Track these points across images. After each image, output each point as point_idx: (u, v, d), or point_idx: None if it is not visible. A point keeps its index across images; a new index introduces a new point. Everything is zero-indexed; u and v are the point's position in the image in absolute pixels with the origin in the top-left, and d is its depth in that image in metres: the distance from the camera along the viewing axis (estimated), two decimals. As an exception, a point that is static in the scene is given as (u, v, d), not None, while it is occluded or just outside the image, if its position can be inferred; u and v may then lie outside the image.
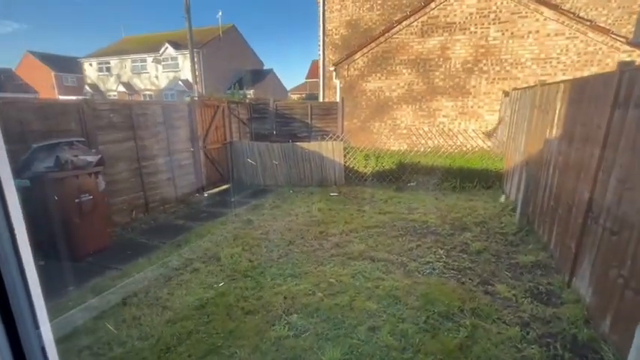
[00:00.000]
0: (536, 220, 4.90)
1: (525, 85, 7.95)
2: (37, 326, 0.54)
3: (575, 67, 7.82)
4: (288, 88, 36.31)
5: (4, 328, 0.50)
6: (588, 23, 7.59)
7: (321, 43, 12.37)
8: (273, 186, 8.49)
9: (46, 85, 33.77)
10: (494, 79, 8.49)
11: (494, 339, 2.82)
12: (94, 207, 4.73)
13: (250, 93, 27.60)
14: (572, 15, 7.70)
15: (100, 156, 4.86)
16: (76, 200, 4.49)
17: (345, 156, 8.41)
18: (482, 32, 8.33)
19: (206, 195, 7.83)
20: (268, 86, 31.46)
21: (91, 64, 31.74)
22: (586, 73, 7.72)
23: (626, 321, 2.45)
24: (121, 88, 29.67)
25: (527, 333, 2.89)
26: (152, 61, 28.85)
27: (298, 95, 32.15)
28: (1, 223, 0.50)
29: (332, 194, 7.57)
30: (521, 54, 8.15)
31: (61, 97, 30.34)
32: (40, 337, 0.54)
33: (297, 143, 8.41)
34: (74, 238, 4.49)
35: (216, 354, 2.77)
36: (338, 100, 10.09)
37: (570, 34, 7.71)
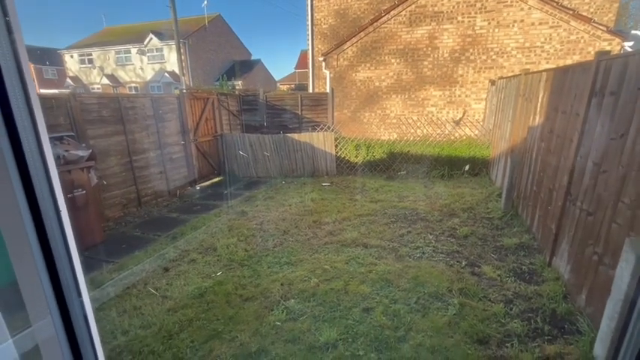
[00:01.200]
0: (520, 205, 5.12)
1: (511, 74, 8.13)
2: (79, 294, 0.63)
3: (558, 56, 8.02)
4: (277, 79, 35.95)
5: (54, 297, 0.60)
6: (571, 12, 7.77)
7: (309, 32, 12.29)
8: (265, 177, 8.55)
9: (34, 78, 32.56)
10: (480, 68, 8.64)
11: (480, 315, 3.02)
12: (87, 202, 4.73)
13: (239, 84, 27.27)
14: (555, 4, 7.86)
15: (90, 150, 4.84)
16: (69, 195, 4.48)
17: (336, 146, 8.50)
18: (469, 21, 8.43)
19: (198, 188, 7.85)
20: (257, 77, 31.07)
21: (72, 56, 30.70)
22: (568, 62, 7.94)
23: (600, 294, 2.66)
24: (105, 81, 28.88)
25: (511, 309, 3.10)
26: (136, 53, 28.10)
27: (287, 86, 31.89)
28: (50, 209, 0.58)
29: (324, 184, 7.68)
30: (507, 43, 8.30)
31: (42, 91, 29.37)
32: (82, 304, 0.63)
33: (289, 134, 8.45)
34: (68, 233, 4.49)
35: (217, 338, 2.88)
36: (328, 90, 10.12)
37: (554, 22, 7.89)
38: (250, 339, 2.85)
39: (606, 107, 2.84)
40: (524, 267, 3.81)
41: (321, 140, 8.30)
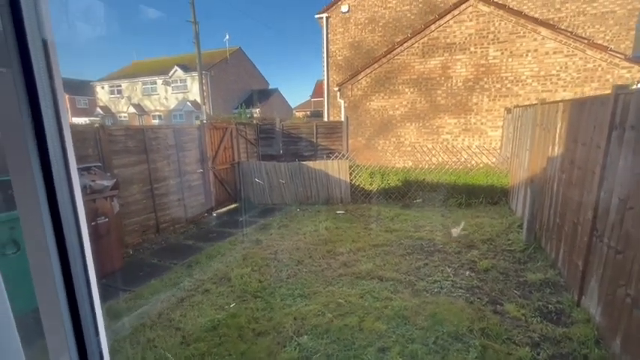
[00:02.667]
0: (543, 237, 4.91)
1: (527, 102, 8.10)
2: (97, 334, 0.65)
3: (576, 84, 7.96)
4: (294, 106, 37.06)
5: (74, 333, 0.62)
6: (586, 41, 7.78)
7: (325, 63, 12.78)
8: (280, 204, 8.62)
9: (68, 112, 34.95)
10: (495, 96, 8.66)
11: (505, 360, 2.83)
12: (109, 229, 4.89)
13: (256, 111, 28.24)
14: (569, 34, 7.91)
15: (115, 180, 5.06)
16: (93, 223, 4.66)
17: (350, 174, 8.54)
18: (482, 52, 8.57)
19: (215, 215, 7.98)
20: (274, 105, 32.15)
21: (103, 87, 32.91)
22: (587, 89, 7.85)
23: (637, 340, 2.46)
24: (132, 109, 30.59)
25: (538, 353, 2.90)
26: (162, 83, 29.83)
27: (303, 113, 32.76)
28: (74, 242, 0.61)
29: (338, 212, 7.65)
30: (521, 72, 8.33)
31: (74, 119, 31.33)
32: (99, 343, 0.65)
33: (304, 162, 8.58)
34: (89, 261, 4.62)
35: (229, 376, 2.82)
36: (343, 119, 10.33)
37: (569, 51, 7.90)
38: (262, 378, 2.77)
39: (628, 141, 2.77)
40: (550, 306, 3.60)
41: (335, 168, 8.37)
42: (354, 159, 9.67)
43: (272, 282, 4.43)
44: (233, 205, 8.75)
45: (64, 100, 0.59)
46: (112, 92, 32.51)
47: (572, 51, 7.86)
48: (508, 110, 8.28)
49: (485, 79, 8.66)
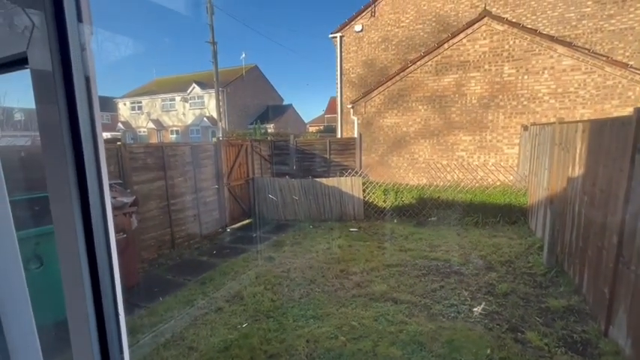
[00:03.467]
0: (565, 261, 4.72)
1: (544, 119, 7.96)
2: (121, 351, 0.67)
3: (595, 101, 7.78)
4: (307, 121, 37.55)
5: (100, 351, 0.64)
6: (604, 58, 7.66)
7: (338, 81, 12.99)
8: (293, 221, 8.63)
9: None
10: (511, 113, 8.55)
11: (527, 394, 2.69)
12: (127, 245, 5.00)
13: (271, 127, 28.77)
14: (586, 51, 7.81)
15: (134, 197, 5.22)
16: (112, 239, 4.78)
17: (364, 191, 8.51)
18: (497, 69, 8.54)
19: (229, 230, 8.05)
20: (288, 120, 32.68)
21: (124, 104, 34.34)
22: (607, 106, 7.66)
23: (671, 379, 2.30)
24: (151, 125, 31.69)
25: (563, 388, 2.75)
26: (180, 100, 30.90)
27: (317, 128, 33.14)
28: (104, 257, 0.64)
29: (352, 230, 7.60)
30: (538, 89, 8.23)
31: (97, 134, 32.60)
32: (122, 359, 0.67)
33: (317, 179, 8.63)
34: (107, 276, 4.72)
35: (240, 400, 2.78)
36: (356, 135, 10.39)
37: (587, 69, 7.78)
38: (274, 404, 2.73)
39: (653, 166, 2.67)
40: (575, 335, 3.42)
41: (349, 185, 8.37)
42: (368, 176, 9.65)
43: (284, 301, 4.40)
44: (247, 221, 8.83)
45: (101, 127, 0.64)
46: (132, 108, 33.85)
47: (591, 68, 7.74)
48: (525, 127, 8.15)
49: (500, 97, 8.59)
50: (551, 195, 5.33)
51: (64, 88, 0.56)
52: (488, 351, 3.22)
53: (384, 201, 8.59)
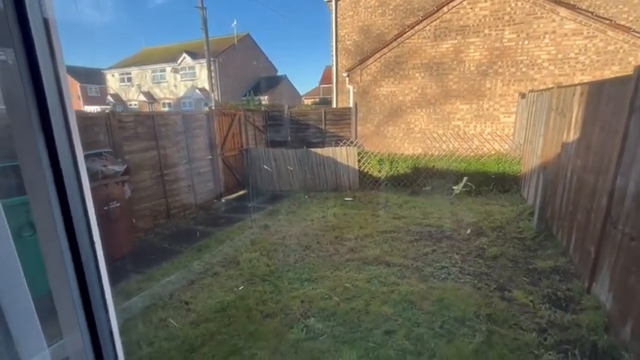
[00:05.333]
0: (554, 225, 4.82)
1: (542, 87, 7.83)
2: (106, 312, 0.66)
3: (595, 67, 7.63)
4: (302, 93, 36.73)
5: (84, 311, 0.63)
6: (607, 22, 7.41)
7: (333, 49, 12.53)
8: (288, 191, 8.65)
9: (72, 96, 35.42)
10: (509, 80, 8.38)
11: (511, 345, 2.83)
12: (121, 214, 5.00)
13: (265, 99, 28.12)
14: (589, 14, 7.54)
15: (126, 165, 5.14)
16: (105, 208, 4.77)
17: (359, 161, 8.48)
18: (497, 34, 8.26)
19: (224, 201, 8.07)
20: (282, 92, 31.92)
21: (113, 75, 33.14)
22: (607, 73, 7.53)
23: (647, 328, 2.42)
24: (142, 98, 30.82)
25: (545, 339, 2.89)
26: (171, 71, 29.86)
27: (312, 100, 32.47)
28: (82, 225, 0.62)
29: (346, 199, 7.65)
30: (538, 55, 8.02)
31: (86, 107, 31.79)
32: (108, 320, 0.67)
33: (312, 149, 8.55)
34: (103, 244, 4.75)
35: (237, 355, 2.90)
36: (351, 105, 10.20)
37: (589, 33, 7.55)
38: (269, 357, 2.85)
39: (648, 124, 2.65)
40: (559, 293, 3.56)
41: (344, 155, 8.32)
42: (363, 146, 9.59)
43: (280, 266, 4.49)
44: (242, 192, 8.83)
45: (67, 81, 0.58)
46: (122, 80, 32.72)
47: (593, 32, 7.51)
48: (522, 95, 8.03)
49: (499, 63, 8.38)
50: (545, 161, 5.35)
51: (20, 31, 0.49)
52: (476, 308, 3.36)
53: (379, 171, 8.59)
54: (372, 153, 8.76)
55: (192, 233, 6.08)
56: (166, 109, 30.56)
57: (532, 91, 7.36)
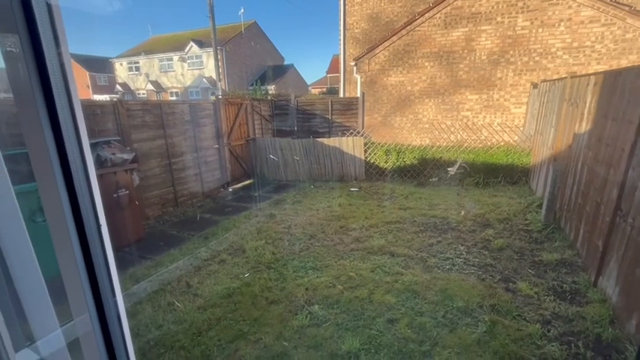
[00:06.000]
0: (563, 218, 4.76)
1: (556, 77, 7.62)
2: (114, 295, 0.68)
3: (612, 56, 7.38)
4: (309, 83, 36.40)
5: (92, 295, 0.65)
6: (627, 8, 7.13)
7: (341, 37, 12.34)
8: (294, 181, 8.68)
9: (81, 85, 35.73)
10: (521, 70, 8.17)
11: (514, 335, 2.84)
12: (130, 201, 5.09)
13: (272, 88, 27.96)
14: (608, 0, 7.25)
15: (134, 154, 5.21)
16: (114, 195, 4.85)
17: (365, 151, 8.43)
18: (510, 22, 8.02)
19: (230, 190, 8.14)
20: (289, 81, 31.68)
21: (121, 64, 33.24)
22: (623, 62, 7.28)
23: (653, 321, 2.40)
24: (150, 87, 30.92)
25: (548, 330, 2.89)
26: (178, 60, 29.81)
27: (319, 89, 32.19)
28: (89, 212, 0.63)
29: (352, 189, 7.65)
30: (552, 43, 7.78)
31: (95, 96, 32.06)
32: (116, 304, 0.69)
33: (318, 139, 8.52)
34: (113, 231, 4.86)
35: (242, 339, 2.97)
36: (359, 95, 10.09)
37: (607, 20, 7.28)
38: (274, 342, 2.91)
39: (664, 115, 2.57)
40: (565, 285, 3.54)
41: (350, 145, 8.28)
42: (370, 136, 9.52)
43: (285, 254, 4.55)
44: (248, 181, 8.89)
45: (72, 68, 0.58)
46: (130, 69, 32.82)
47: (611, 19, 7.24)
48: (534, 85, 7.83)
49: (511, 52, 8.16)
50: (555, 153, 5.25)
51: (24, 17, 0.49)
52: (479, 299, 3.36)
53: (386, 162, 8.54)
54: (379, 143, 8.69)
55: (199, 221, 6.17)
56: (174, 98, 30.65)
57: (544, 80, 7.18)
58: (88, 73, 36.71)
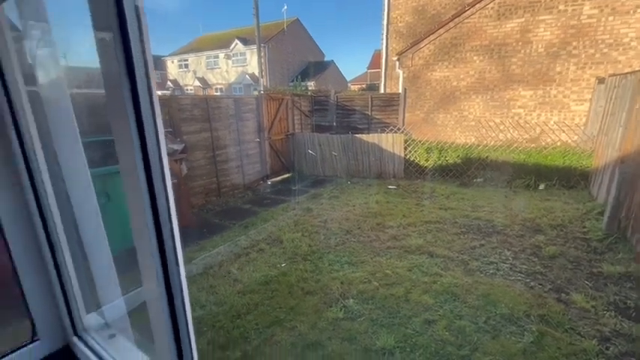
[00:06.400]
0: (629, 227, 4.28)
1: (628, 70, 6.82)
2: (177, 264, 0.75)
3: (700, 46, 6.43)
4: (349, 79, 36.16)
5: (160, 264, 0.72)
6: None
7: (384, 31, 12.08)
8: (331, 177, 8.71)
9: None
10: (585, 63, 7.42)
11: (565, 349, 2.63)
12: (178, 189, 5.45)
13: (312, 84, 28.21)
14: (699, -19, 6.31)
15: (184, 145, 5.56)
16: (165, 182, 5.22)
17: (405, 149, 8.22)
18: (574, 10, 7.30)
19: (269, 183, 8.38)
20: (329, 77, 31.72)
21: (172, 62, 35.51)
22: None
23: None
24: (197, 83, 32.71)
25: (607, 348, 2.63)
26: (223, 57, 31.16)
27: (359, 86, 31.84)
28: (161, 192, 0.70)
29: (390, 187, 7.50)
30: (624, 33, 6.96)
31: (149, 92, 34.52)
32: (179, 272, 0.75)
33: (357, 135, 8.46)
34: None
35: (278, 325, 3.07)
36: (400, 90, 9.83)
37: (695, 5, 6.35)
38: (308, 331, 2.97)
39: None
40: (629, 302, 3.19)
41: (389, 142, 8.12)
42: (410, 133, 9.25)
43: (321, 248, 4.60)
44: (286, 175, 9.09)
45: (153, 65, 0.64)
46: (180, 66, 34.95)
47: (701, 4, 6.30)
48: (600, 80, 7.07)
49: (574, 44, 7.44)
50: (623, 154, 4.71)
51: (117, 18, 0.55)
52: (526, 307, 3.15)
53: (427, 160, 8.25)
54: (420, 141, 8.42)
55: (239, 211, 6.44)
56: (218, 94, 32.14)
57: (614, 75, 6.45)
58: (143, 70, 39.58)
